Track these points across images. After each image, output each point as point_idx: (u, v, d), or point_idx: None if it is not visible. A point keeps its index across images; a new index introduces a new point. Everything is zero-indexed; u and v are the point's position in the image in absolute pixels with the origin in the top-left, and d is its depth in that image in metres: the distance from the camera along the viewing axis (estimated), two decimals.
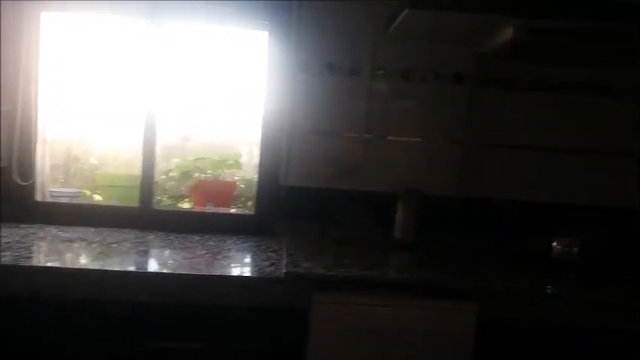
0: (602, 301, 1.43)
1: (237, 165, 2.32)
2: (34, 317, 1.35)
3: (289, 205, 1.93)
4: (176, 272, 1.39)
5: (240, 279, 1.40)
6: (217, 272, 1.41)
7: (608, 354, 1.42)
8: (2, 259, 1.37)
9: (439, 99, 1.94)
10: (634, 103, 1.98)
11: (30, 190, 1.88)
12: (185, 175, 2.28)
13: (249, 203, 2.28)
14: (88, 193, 2.36)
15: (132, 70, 2.00)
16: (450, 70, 1.93)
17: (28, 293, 1.34)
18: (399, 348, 1.39)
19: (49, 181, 2.05)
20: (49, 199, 1.99)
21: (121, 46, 2.15)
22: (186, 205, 2.36)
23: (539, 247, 1.76)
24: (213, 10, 1.89)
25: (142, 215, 1.90)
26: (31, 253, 1.50)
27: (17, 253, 1.43)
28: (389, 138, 1.95)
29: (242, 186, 2.39)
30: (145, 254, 1.58)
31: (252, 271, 1.49)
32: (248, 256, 1.65)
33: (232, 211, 2.25)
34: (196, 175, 2.31)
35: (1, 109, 1.80)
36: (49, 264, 1.40)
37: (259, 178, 1.95)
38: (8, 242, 1.55)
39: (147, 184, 1.92)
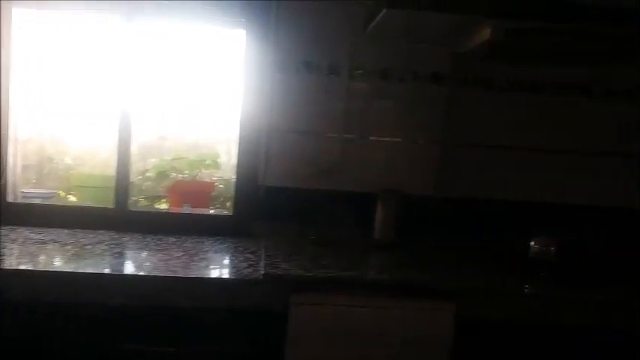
0: (577, 300, 1.44)
1: (215, 165, 2.29)
2: (4, 321, 1.31)
3: (268, 205, 1.92)
4: (152, 274, 1.36)
5: (218, 281, 1.39)
6: (194, 274, 1.39)
7: (585, 352, 1.43)
8: None
9: (417, 99, 1.95)
10: (611, 104, 2.01)
11: (1, 190, 1.83)
12: (161, 175, 2.25)
13: (229, 204, 2.26)
14: (62, 194, 2.32)
15: (107, 69, 1.97)
16: (428, 70, 1.94)
17: None
18: (378, 349, 1.38)
19: (21, 182, 2.01)
20: (20, 200, 1.94)
21: (96, 43, 2.11)
22: (163, 206, 2.32)
23: (517, 246, 1.77)
24: (190, 8, 1.87)
25: (117, 216, 1.87)
26: (2, 255, 1.45)
27: None
28: (368, 138, 1.95)
29: (221, 186, 2.37)
30: (120, 256, 1.55)
31: (229, 273, 1.47)
32: (226, 257, 1.63)
33: (211, 211, 2.23)
34: (173, 175, 2.28)
35: None
36: (20, 267, 1.36)
37: (237, 178, 1.93)
38: None
39: (122, 184, 1.89)
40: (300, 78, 1.90)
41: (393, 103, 1.95)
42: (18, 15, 1.83)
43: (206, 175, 2.33)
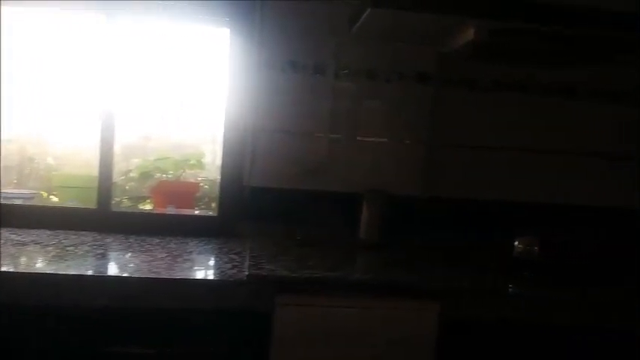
0: (559, 299, 1.45)
1: (199, 165, 2.27)
2: None
3: (253, 205, 1.91)
4: (134, 276, 1.35)
5: (201, 282, 1.37)
6: (177, 275, 1.37)
7: (569, 351, 1.44)
8: None
9: (403, 99, 1.95)
10: (595, 104, 2.03)
11: None
12: (145, 175, 2.23)
13: (213, 204, 2.24)
14: (44, 194, 2.28)
15: (90, 68, 1.94)
16: (414, 70, 1.94)
17: None
18: (363, 349, 1.38)
19: (2, 182, 1.97)
20: (1, 201, 1.91)
21: (79, 42, 2.09)
22: (147, 207, 2.30)
23: (502, 246, 1.78)
24: (174, 7, 1.85)
25: (100, 217, 1.85)
26: None
27: None
28: (354, 138, 1.95)
29: (206, 187, 2.35)
30: (103, 257, 1.53)
31: (213, 274, 1.46)
32: (210, 258, 1.62)
33: (196, 212, 2.21)
34: (157, 175, 2.26)
35: None
36: (1, 268, 1.33)
37: (222, 178, 1.92)
38: None
39: (105, 185, 1.87)
40: (285, 77, 1.90)
41: (378, 103, 1.95)
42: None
43: (191, 175, 2.31)
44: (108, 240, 1.71)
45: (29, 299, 1.29)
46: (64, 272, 1.32)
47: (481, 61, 1.93)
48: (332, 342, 1.37)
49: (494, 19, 1.50)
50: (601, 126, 2.04)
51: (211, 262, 1.58)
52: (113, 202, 1.95)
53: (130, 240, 1.73)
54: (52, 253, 1.50)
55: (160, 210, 2.11)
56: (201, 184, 2.33)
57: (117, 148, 1.94)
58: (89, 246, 1.61)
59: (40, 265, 1.41)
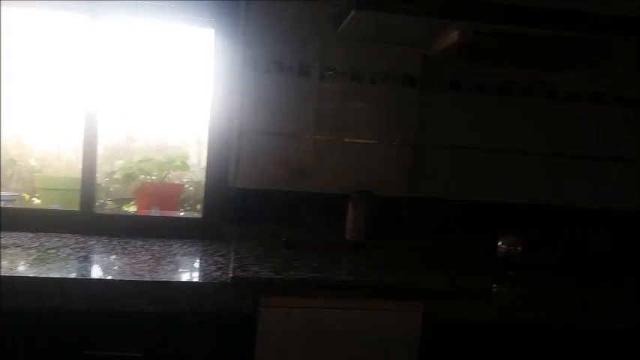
0: (541, 298, 1.47)
1: (184, 167, 2.26)
2: None
3: (239, 207, 1.90)
4: (117, 278, 1.33)
5: (185, 284, 1.36)
6: (161, 277, 1.36)
7: (552, 351, 1.46)
8: None
9: (388, 100, 1.96)
10: (576, 106, 2.05)
11: None
12: (128, 177, 2.20)
13: (199, 206, 2.23)
14: (26, 196, 2.25)
15: (73, 68, 1.92)
16: (399, 72, 1.95)
17: None
18: (347, 350, 1.38)
19: None
20: None
21: (62, 43, 2.06)
22: (132, 209, 2.28)
23: (486, 246, 1.80)
24: (159, 7, 1.84)
25: (83, 219, 1.83)
26: None
27: None
28: (339, 139, 1.95)
29: (190, 188, 2.34)
30: (85, 260, 1.51)
31: (197, 276, 1.45)
32: (194, 260, 1.61)
33: (181, 214, 2.20)
34: (141, 177, 2.24)
35: None
36: None
37: (207, 180, 1.91)
38: None
39: (88, 186, 1.85)
40: (270, 78, 1.90)
41: (364, 104, 1.96)
42: None
43: (175, 176, 2.30)
44: (91, 242, 1.70)
45: (10, 303, 1.27)
46: (45, 275, 1.30)
47: (465, 63, 1.94)
48: (317, 343, 1.37)
49: (478, 21, 1.52)
50: (582, 127, 2.07)
51: (196, 264, 1.57)
52: (97, 204, 1.93)
53: (114, 242, 1.71)
54: (34, 256, 1.48)
55: (144, 212, 2.09)
56: (186, 186, 2.31)
57: (100, 150, 1.92)
58: (71, 249, 1.59)
59: (22, 269, 1.38)
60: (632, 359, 1.48)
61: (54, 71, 2.09)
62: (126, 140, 2.28)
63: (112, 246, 1.67)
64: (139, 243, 1.72)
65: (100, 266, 1.49)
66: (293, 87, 1.91)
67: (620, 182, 2.10)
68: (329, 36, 1.87)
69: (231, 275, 1.37)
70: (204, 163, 1.95)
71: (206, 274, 1.44)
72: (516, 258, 1.71)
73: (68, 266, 1.42)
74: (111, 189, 2.30)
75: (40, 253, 1.51)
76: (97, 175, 1.90)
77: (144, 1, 1.82)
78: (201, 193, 1.96)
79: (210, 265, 1.52)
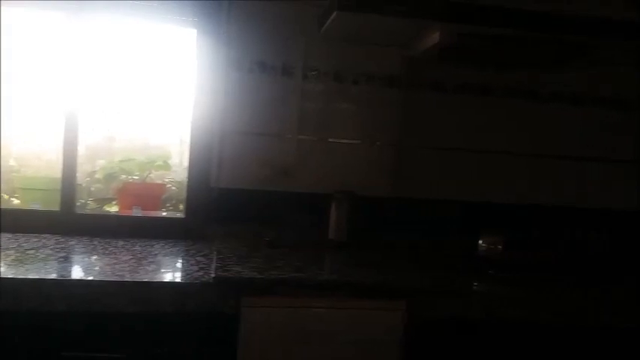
0: (520, 297, 1.48)
1: (166, 166, 2.24)
2: None
3: (222, 207, 1.89)
4: (97, 279, 1.32)
5: (166, 284, 1.35)
6: (141, 278, 1.35)
7: (531, 349, 1.47)
8: None
9: (371, 101, 1.97)
10: (556, 107, 2.08)
11: None
12: (110, 177, 2.18)
13: (181, 206, 2.21)
14: (5, 197, 2.22)
15: (53, 67, 1.90)
16: (382, 73, 1.96)
17: None
18: (330, 349, 1.38)
19: None
20: None
21: (41, 41, 2.04)
22: (113, 209, 2.26)
23: (468, 245, 1.81)
24: (140, 6, 1.83)
25: (63, 220, 1.81)
26: None
27: None
28: (323, 139, 1.96)
29: (173, 188, 2.32)
30: (65, 260, 1.49)
31: (179, 276, 1.44)
32: (176, 260, 1.60)
33: (163, 214, 2.18)
34: (123, 177, 2.22)
35: None
36: None
37: (189, 179, 1.90)
38: None
39: (68, 186, 1.83)
40: (253, 78, 1.90)
41: (347, 104, 1.96)
42: None
43: (157, 176, 2.28)
44: (71, 243, 1.68)
45: None
46: (23, 276, 1.28)
47: (447, 64, 1.96)
48: (299, 342, 1.37)
49: (459, 22, 1.53)
50: (563, 128, 2.10)
51: (178, 265, 1.56)
52: (77, 204, 1.91)
53: (95, 242, 1.70)
54: (12, 257, 1.46)
55: (126, 212, 2.07)
56: (168, 186, 2.30)
57: (81, 149, 1.90)
58: (51, 249, 1.57)
59: None
60: (632, 359, 1.50)
61: (34, 70, 2.06)
62: (107, 140, 2.25)
63: (92, 246, 1.65)
64: (121, 243, 1.71)
65: (81, 267, 1.48)
66: (276, 87, 1.91)
67: (616, 183, 2.14)
68: (312, 36, 1.88)
69: (213, 275, 1.37)
70: (186, 163, 1.94)
71: (188, 274, 1.43)
72: (497, 257, 1.73)
73: (47, 267, 1.40)
74: (92, 189, 2.27)
75: (18, 254, 1.49)
76: (77, 174, 1.88)
77: (126, 1, 1.81)
78: (184, 193, 1.95)
79: (193, 265, 1.52)
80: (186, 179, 1.91)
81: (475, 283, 1.56)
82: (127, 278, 1.33)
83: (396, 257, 1.79)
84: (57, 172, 1.88)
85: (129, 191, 2.15)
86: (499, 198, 2.06)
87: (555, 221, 2.07)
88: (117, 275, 1.35)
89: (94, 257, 1.54)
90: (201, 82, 1.86)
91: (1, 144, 1.88)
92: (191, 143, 1.89)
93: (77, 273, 1.41)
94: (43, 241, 1.67)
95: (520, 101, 2.06)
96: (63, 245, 1.64)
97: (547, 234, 1.98)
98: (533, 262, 1.75)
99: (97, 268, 1.45)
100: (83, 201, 2.20)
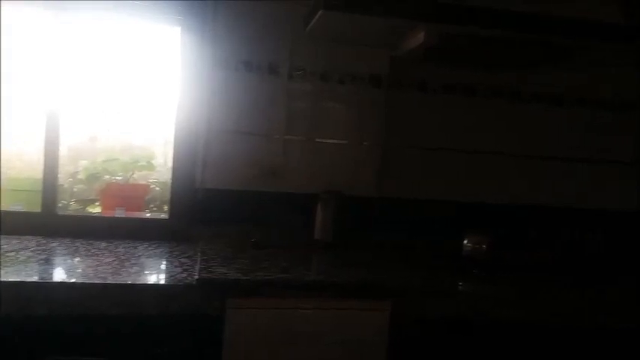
0: (505, 296, 1.49)
1: (149, 167, 2.21)
2: None
3: (207, 208, 1.88)
4: (79, 281, 1.30)
5: (150, 286, 1.34)
6: (124, 280, 1.33)
7: (517, 348, 1.48)
8: None
9: (357, 101, 1.96)
10: (539, 107, 2.10)
11: None
12: (92, 177, 2.15)
13: (165, 207, 2.19)
14: None
15: (34, 66, 1.87)
16: (367, 73, 1.96)
17: None
18: (316, 350, 1.37)
19: None
20: None
21: (23, 39, 2.00)
22: (96, 210, 2.23)
23: (453, 245, 1.82)
24: (124, 5, 1.81)
25: (45, 221, 1.78)
26: None
27: None
28: (310, 139, 1.95)
29: (157, 189, 2.29)
30: (46, 263, 1.47)
31: (162, 278, 1.43)
32: (160, 262, 1.58)
33: (147, 215, 2.16)
34: (106, 177, 2.19)
35: None
36: None
37: (173, 180, 1.88)
38: None
39: (50, 187, 1.80)
40: (240, 77, 1.88)
41: (333, 104, 1.96)
42: None
43: (141, 177, 2.25)
44: (53, 244, 1.65)
45: None
46: (2, 279, 1.26)
47: (432, 64, 1.96)
48: (285, 344, 1.36)
49: (444, 23, 1.53)
50: (548, 128, 2.11)
51: (161, 266, 1.55)
52: (60, 205, 1.88)
53: (77, 244, 1.67)
54: None
55: (109, 213, 2.05)
56: (152, 186, 2.27)
57: (64, 150, 1.87)
58: (32, 251, 1.55)
59: None
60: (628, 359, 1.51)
61: (14, 69, 2.02)
62: (90, 140, 2.22)
63: (74, 248, 1.63)
64: (103, 245, 1.69)
65: (63, 269, 1.45)
66: (262, 86, 1.90)
67: (612, 183, 2.16)
68: (298, 36, 1.87)
69: (196, 277, 1.36)
70: (170, 163, 1.92)
71: (171, 275, 1.42)
72: (481, 256, 1.73)
73: (28, 269, 1.37)
74: (75, 190, 2.24)
75: None
76: (60, 175, 1.85)
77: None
78: (168, 194, 1.93)
79: (176, 266, 1.50)
80: (171, 180, 1.89)
81: (460, 283, 1.57)
82: (110, 280, 1.31)
83: (382, 257, 1.79)
84: (39, 172, 1.85)
85: (112, 192, 2.13)
86: (486, 198, 2.07)
87: (549, 221, 2.08)
88: (99, 277, 1.33)
89: (77, 259, 1.52)
90: (185, 81, 1.85)
91: None
92: (175, 143, 1.87)
93: (59, 275, 1.38)
94: (24, 242, 1.65)
95: (506, 102, 2.07)
96: (44, 247, 1.61)
97: (540, 234, 2.00)
98: (519, 262, 1.77)
99: (79, 270, 1.43)
100: (65, 202, 2.17)
